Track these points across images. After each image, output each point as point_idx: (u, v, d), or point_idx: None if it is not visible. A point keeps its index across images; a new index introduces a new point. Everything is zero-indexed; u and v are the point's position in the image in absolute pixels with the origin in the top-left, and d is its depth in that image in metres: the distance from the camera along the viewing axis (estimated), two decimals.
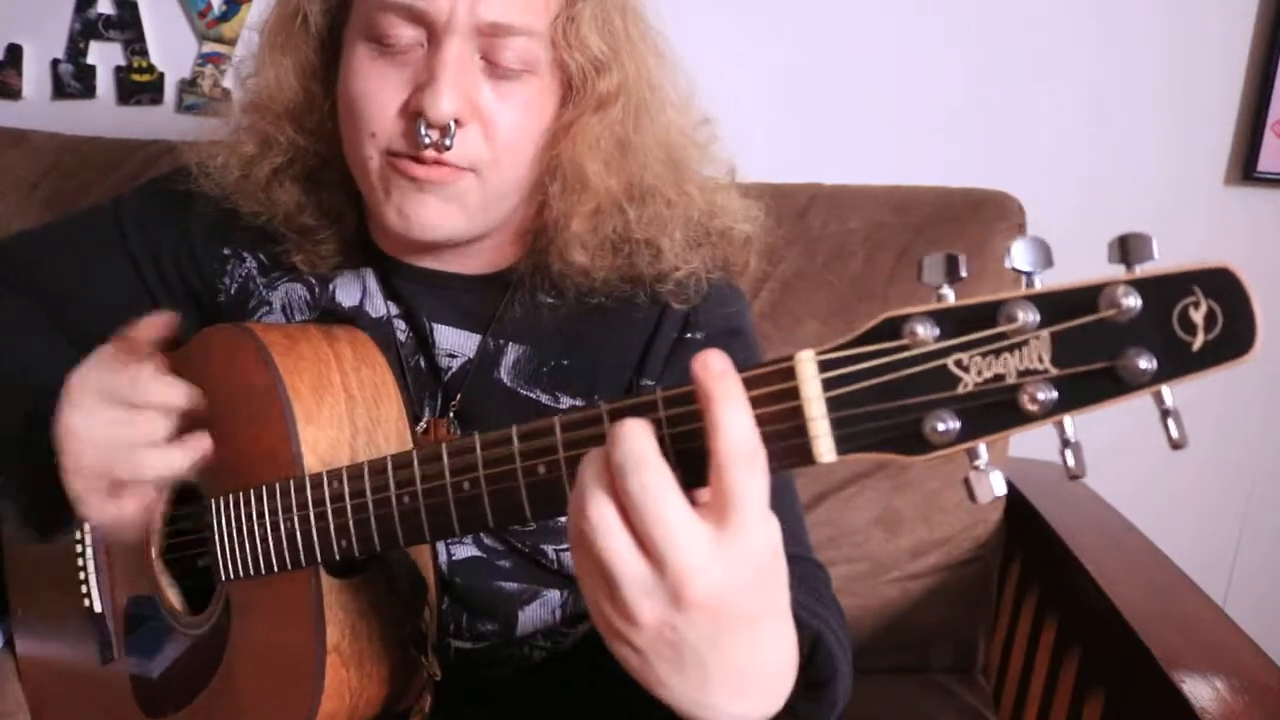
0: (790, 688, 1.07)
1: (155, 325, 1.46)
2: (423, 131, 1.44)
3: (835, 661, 1.19)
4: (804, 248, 2.45)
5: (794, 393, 0.94)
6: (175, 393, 1.42)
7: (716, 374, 0.94)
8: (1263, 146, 2.78)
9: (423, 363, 1.70)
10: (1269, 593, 3.01)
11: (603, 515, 0.94)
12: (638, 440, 0.93)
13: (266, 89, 1.63)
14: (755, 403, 0.95)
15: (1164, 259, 0.81)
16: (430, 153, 1.46)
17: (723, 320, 1.68)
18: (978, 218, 2.45)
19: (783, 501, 1.57)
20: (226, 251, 1.76)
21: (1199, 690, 1.63)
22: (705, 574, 0.91)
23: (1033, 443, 2.28)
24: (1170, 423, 0.81)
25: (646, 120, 1.60)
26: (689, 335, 1.65)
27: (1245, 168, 2.81)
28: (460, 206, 1.53)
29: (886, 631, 2.45)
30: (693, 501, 0.93)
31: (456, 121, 1.45)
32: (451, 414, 1.66)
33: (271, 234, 1.70)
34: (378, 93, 1.49)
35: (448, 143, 1.45)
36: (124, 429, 1.40)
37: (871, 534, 2.43)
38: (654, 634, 0.95)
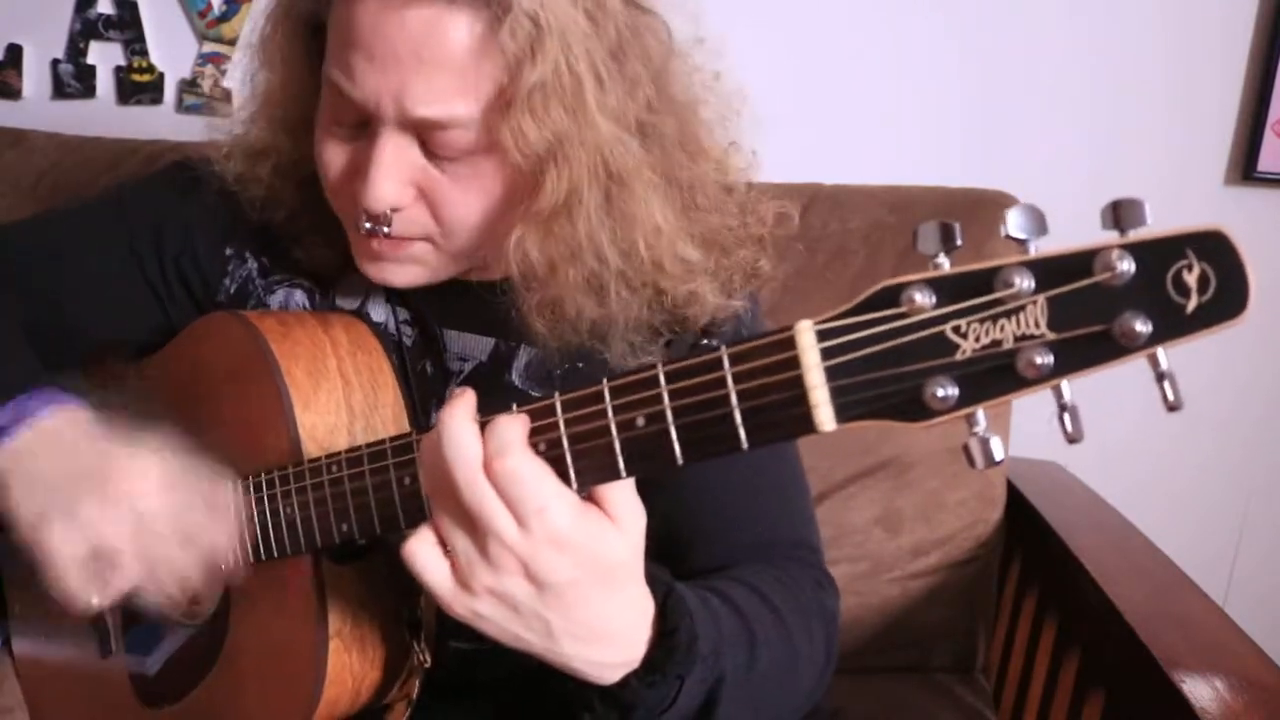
0: (646, 636, 1.20)
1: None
2: (363, 218, 1.44)
3: (683, 609, 1.23)
4: (804, 248, 2.44)
5: (794, 362, 0.95)
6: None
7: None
8: (1263, 146, 2.79)
9: (429, 367, 1.69)
10: (1269, 593, 3.01)
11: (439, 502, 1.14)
12: (462, 433, 1.09)
13: (271, 95, 1.61)
14: (756, 373, 0.97)
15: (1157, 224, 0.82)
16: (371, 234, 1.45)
17: (739, 325, 1.67)
18: (977, 218, 2.44)
19: (783, 501, 1.58)
20: (229, 251, 1.73)
21: (1199, 690, 1.62)
22: (516, 547, 1.09)
23: (1032, 443, 2.29)
24: (1166, 385, 0.81)
25: (631, 202, 1.46)
26: (705, 341, 1.64)
27: (1245, 168, 2.83)
28: (421, 266, 1.54)
29: (886, 631, 2.45)
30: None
31: (394, 209, 1.44)
32: None
33: (276, 234, 1.69)
34: (331, 164, 1.49)
35: (385, 230, 1.44)
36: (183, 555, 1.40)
37: (871, 534, 2.43)
38: (490, 599, 1.13)
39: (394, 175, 1.41)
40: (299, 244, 1.68)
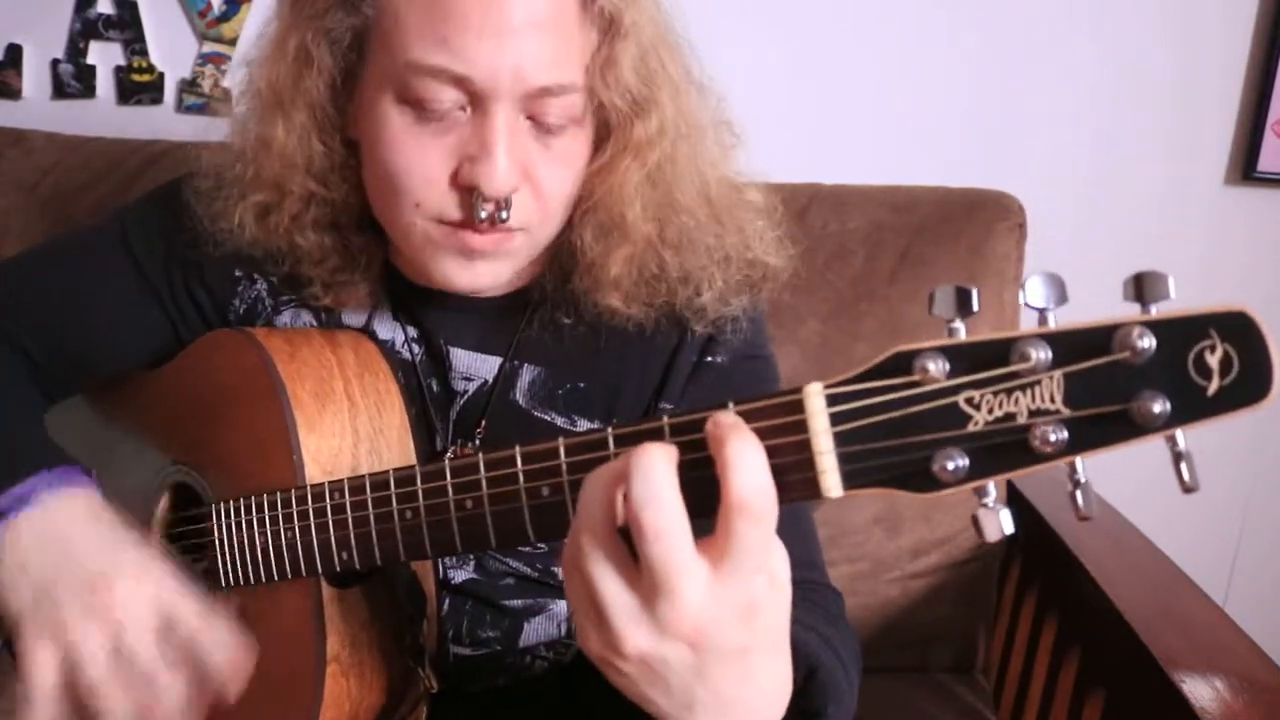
0: (782, 711, 1.08)
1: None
2: (479, 205, 1.39)
3: (828, 692, 1.20)
4: (804, 248, 2.44)
5: (802, 425, 0.92)
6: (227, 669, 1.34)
7: (729, 424, 0.93)
8: (1263, 146, 2.80)
9: (435, 386, 1.68)
10: (1269, 593, 3.02)
11: (597, 544, 0.96)
12: (659, 475, 0.91)
13: (279, 146, 1.53)
14: (762, 434, 0.93)
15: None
16: (487, 225, 1.41)
17: (743, 343, 1.65)
18: (978, 218, 2.45)
19: (797, 524, 1.58)
20: (239, 273, 1.70)
21: (1199, 690, 1.63)
22: (695, 613, 0.92)
23: None
24: (1183, 466, 0.80)
25: (684, 159, 1.55)
26: (709, 359, 1.64)
27: (1245, 168, 2.84)
28: (510, 262, 1.51)
29: (886, 631, 2.46)
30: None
31: (512, 191, 1.41)
32: (477, 439, 1.65)
33: (298, 276, 1.65)
34: (421, 164, 1.42)
35: (504, 215, 1.40)
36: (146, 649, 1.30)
37: (871, 533, 2.43)
38: (639, 662, 0.96)
39: (513, 153, 1.40)
40: (325, 286, 1.64)
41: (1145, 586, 2.03)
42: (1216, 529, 3.05)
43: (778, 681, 1.06)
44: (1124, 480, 2.29)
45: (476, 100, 1.39)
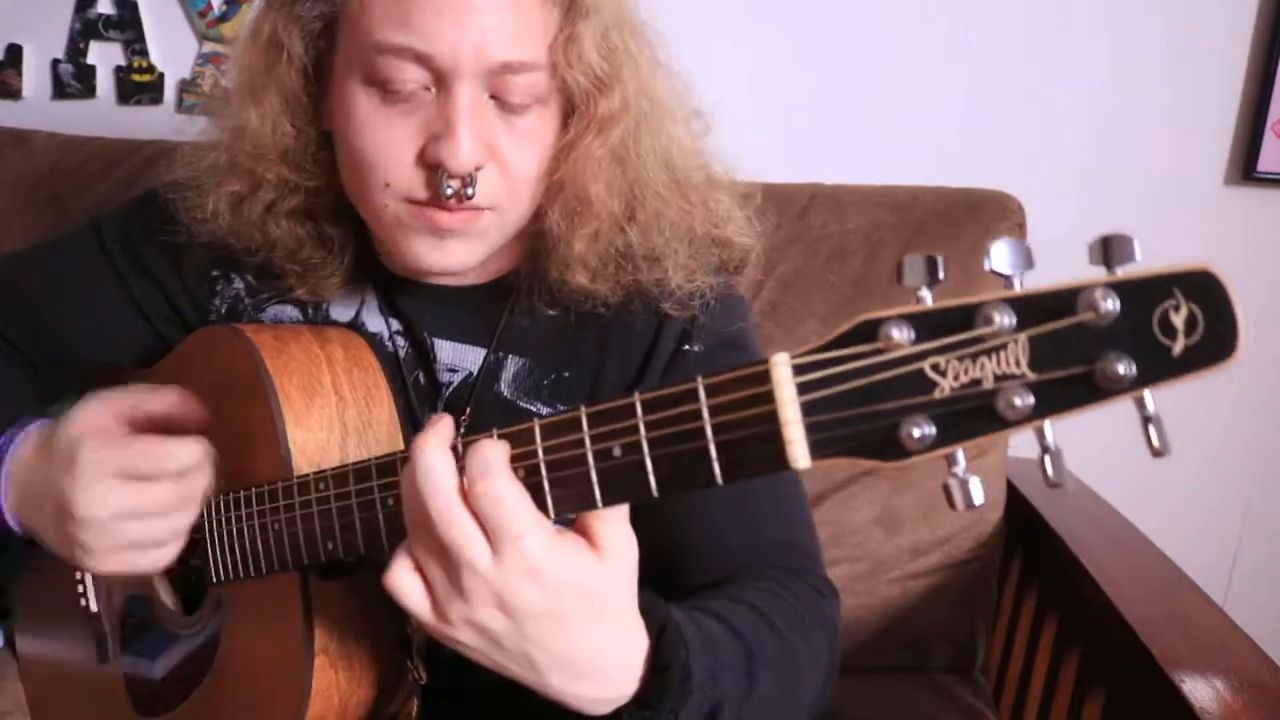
0: (636, 671, 1.17)
1: (163, 401, 1.46)
2: (445, 182, 1.40)
3: (684, 641, 1.20)
4: (804, 247, 2.45)
5: (768, 396, 0.93)
6: (187, 454, 1.40)
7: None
8: (1263, 146, 2.79)
9: (422, 378, 1.69)
10: (1269, 593, 3.01)
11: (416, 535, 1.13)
12: (435, 470, 1.09)
13: (252, 131, 1.56)
14: (731, 406, 0.95)
15: (1159, 260, 0.80)
16: (454, 201, 1.43)
17: (721, 332, 1.66)
18: (977, 218, 2.45)
19: (776, 506, 1.57)
20: (215, 273, 1.74)
21: (1199, 690, 1.62)
22: (489, 579, 1.07)
23: (1032, 442, 2.29)
24: (1151, 429, 0.79)
25: (648, 136, 1.57)
26: (686, 347, 1.63)
27: (1245, 168, 2.83)
28: (481, 242, 1.52)
29: (886, 631, 2.44)
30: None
31: (477, 167, 1.42)
32: (462, 430, 1.64)
33: (271, 267, 1.67)
34: (389, 144, 1.44)
35: (470, 192, 1.41)
36: (138, 501, 1.38)
37: (871, 533, 2.42)
38: (466, 630, 1.11)
39: (476, 130, 1.42)
40: (299, 278, 1.67)
41: (1145, 586, 2.02)
42: (1216, 529, 3.04)
43: (622, 645, 1.16)
44: (1124, 481, 2.29)
45: (440, 79, 1.41)
